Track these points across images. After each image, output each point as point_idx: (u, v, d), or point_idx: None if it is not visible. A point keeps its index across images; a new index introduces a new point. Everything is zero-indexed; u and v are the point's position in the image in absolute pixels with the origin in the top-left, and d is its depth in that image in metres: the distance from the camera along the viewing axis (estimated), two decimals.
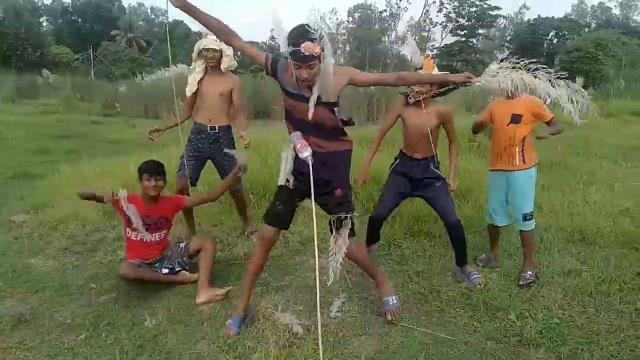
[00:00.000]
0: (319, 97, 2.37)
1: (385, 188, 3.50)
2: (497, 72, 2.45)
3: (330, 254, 2.60)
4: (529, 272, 3.26)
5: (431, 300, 3.09)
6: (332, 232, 2.65)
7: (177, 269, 3.32)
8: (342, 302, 2.91)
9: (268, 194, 4.81)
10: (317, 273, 2.36)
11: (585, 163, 6.88)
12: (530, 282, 3.20)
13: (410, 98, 3.25)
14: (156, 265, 3.29)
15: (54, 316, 2.87)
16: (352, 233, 2.64)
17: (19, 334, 2.66)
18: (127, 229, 3.24)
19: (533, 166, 3.30)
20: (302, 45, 2.19)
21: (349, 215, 2.62)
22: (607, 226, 4.14)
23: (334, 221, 2.63)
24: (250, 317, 2.78)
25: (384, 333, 2.69)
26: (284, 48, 2.29)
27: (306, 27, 2.22)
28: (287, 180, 2.61)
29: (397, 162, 3.49)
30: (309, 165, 2.42)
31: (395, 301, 2.84)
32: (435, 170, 3.34)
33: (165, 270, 3.29)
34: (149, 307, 2.97)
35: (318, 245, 2.43)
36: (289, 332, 2.61)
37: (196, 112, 3.91)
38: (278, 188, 2.69)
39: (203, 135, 3.82)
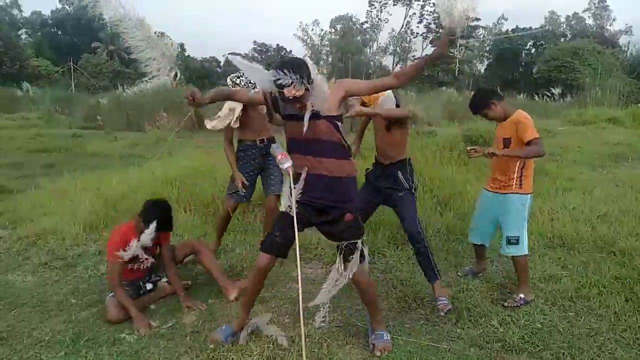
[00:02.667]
0: (319, 113, 2.34)
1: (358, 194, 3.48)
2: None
3: (333, 280, 2.51)
4: (521, 296, 3.09)
5: (415, 308, 3.10)
6: (340, 258, 2.53)
7: (156, 279, 3.29)
8: (327, 312, 2.89)
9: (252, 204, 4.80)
10: (300, 284, 2.36)
11: (564, 170, 7.00)
12: (516, 307, 3.04)
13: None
14: (144, 279, 3.25)
15: (32, 333, 2.80)
16: (362, 259, 2.53)
17: None
18: (129, 265, 3.06)
19: (528, 194, 3.15)
20: (285, 90, 2.20)
21: (360, 240, 2.53)
22: (586, 231, 4.22)
23: (342, 249, 2.52)
24: (243, 337, 2.68)
25: (369, 343, 2.69)
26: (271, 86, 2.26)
27: (283, 74, 2.17)
28: (289, 207, 2.48)
29: (370, 168, 3.46)
30: (315, 194, 2.44)
31: (388, 337, 2.69)
32: (401, 179, 3.23)
33: (149, 286, 3.24)
34: (131, 322, 2.92)
35: (301, 255, 2.42)
36: (274, 344, 2.59)
37: (241, 132, 3.83)
38: (279, 214, 2.60)
39: (254, 150, 3.80)
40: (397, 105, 3.26)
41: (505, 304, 3.07)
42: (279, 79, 2.17)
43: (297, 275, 2.40)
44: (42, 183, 6.28)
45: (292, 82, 2.17)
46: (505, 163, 3.12)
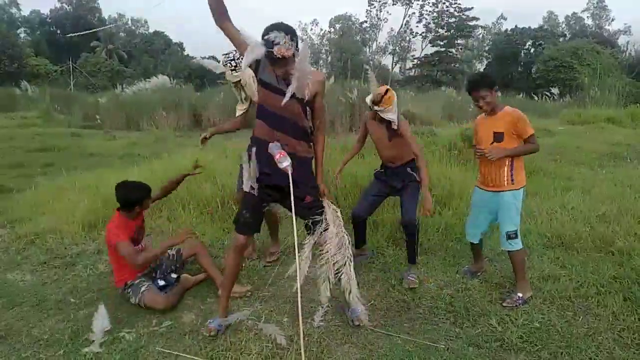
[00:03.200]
0: (293, 94, 2.42)
1: (365, 190, 3.72)
2: None
3: (323, 262, 2.57)
4: (519, 295, 3.09)
5: (414, 307, 3.11)
6: (310, 234, 2.63)
7: (173, 277, 3.35)
8: (326, 311, 2.91)
9: None
10: (298, 283, 2.36)
11: (563, 169, 7.01)
12: (515, 306, 3.04)
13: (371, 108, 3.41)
14: (152, 275, 3.29)
15: (31, 332, 2.80)
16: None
17: None
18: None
19: (520, 188, 3.15)
20: (275, 49, 2.32)
21: (322, 218, 2.63)
22: (585, 231, 4.22)
23: (308, 225, 2.66)
24: (234, 316, 2.78)
25: (368, 341, 2.70)
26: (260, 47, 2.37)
27: (275, 32, 2.32)
28: (252, 187, 2.61)
29: (379, 169, 3.69)
30: (282, 174, 2.46)
31: (361, 309, 2.81)
32: (412, 172, 3.48)
33: (161, 282, 3.28)
34: (129, 321, 2.93)
35: (300, 254, 2.42)
36: (272, 342, 2.59)
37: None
38: (244, 194, 2.70)
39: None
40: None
41: (504, 304, 3.07)
42: (271, 35, 2.31)
43: (296, 274, 2.41)
44: (41, 182, 6.28)
45: (283, 41, 2.30)
46: (496, 161, 3.07)
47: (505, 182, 3.11)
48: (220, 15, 2.50)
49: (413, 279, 3.40)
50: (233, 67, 3.47)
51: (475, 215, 3.40)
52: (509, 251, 3.19)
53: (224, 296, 2.83)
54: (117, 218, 3.23)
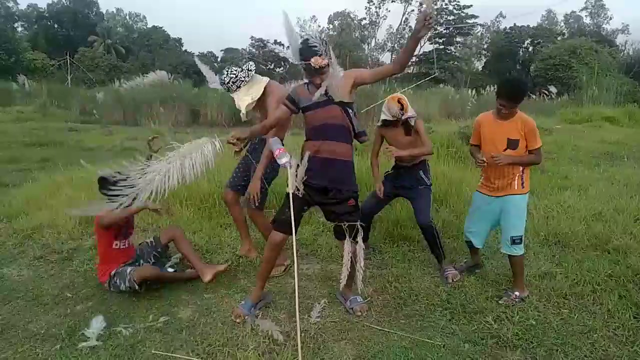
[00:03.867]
0: (332, 98, 2.60)
1: (374, 190, 3.79)
2: None
3: (355, 262, 2.75)
4: (516, 293, 3.11)
5: (410, 304, 3.12)
6: (344, 238, 2.76)
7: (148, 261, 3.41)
8: (322, 308, 2.91)
9: None
10: (296, 279, 2.37)
11: (560, 168, 7.03)
12: (512, 305, 3.04)
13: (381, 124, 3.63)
14: (137, 265, 3.31)
15: (27, 327, 2.80)
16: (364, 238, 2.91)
17: None
18: (115, 241, 3.24)
19: (527, 193, 3.15)
20: (312, 60, 2.51)
21: (358, 222, 2.77)
22: (581, 229, 4.24)
23: (345, 229, 2.75)
24: (263, 302, 3.01)
25: (364, 337, 2.70)
26: (295, 57, 2.61)
27: (310, 42, 2.51)
28: (297, 189, 2.65)
29: (390, 171, 3.80)
30: (319, 175, 2.64)
31: (361, 299, 3.04)
32: (422, 177, 3.62)
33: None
34: (126, 316, 2.93)
35: (297, 251, 2.43)
36: (269, 338, 2.60)
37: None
38: (287, 195, 2.71)
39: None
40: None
41: (501, 301, 3.08)
42: (313, 45, 2.49)
43: (294, 270, 2.41)
44: (37, 177, 6.26)
45: (322, 51, 2.49)
46: (507, 166, 3.05)
47: (516, 186, 3.09)
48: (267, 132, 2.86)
49: (450, 272, 3.46)
50: (226, 89, 3.37)
51: (478, 221, 3.36)
52: (510, 255, 3.17)
53: (260, 285, 2.97)
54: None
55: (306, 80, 2.77)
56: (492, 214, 3.25)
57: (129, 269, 3.15)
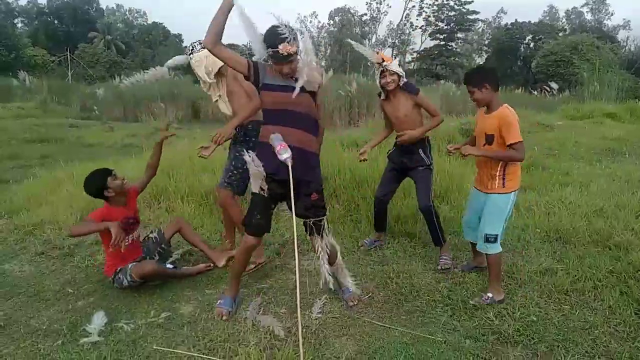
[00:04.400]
0: (302, 87, 2.49)
1: (384, 173, 3.86)
2: None
3: (320, 260, 2.72)
4: (489, 295, 3.01)
5: (411, 300, 3.12)
6: (311, 234, 2.73)
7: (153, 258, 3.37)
8: (323, 303, 2.91)
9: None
10: (297, 275, 2.37)
11: (561, 164, 7.01)
12: (482, 304, 2.96)
13: (380, 95, 3.66)
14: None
15: (29, 322, 2.81)
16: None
17: None
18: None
19: (512, 192, 2.98)
20: (280, 47, 2.35)
21: (324, 217, 2.73)
22: (582, 225, 4.23)
23: (309, 225, 2.70)
24: (239, 298, 2.99)
25: (365, 333, 2.71)
26: (260, 50, 2.44)
27: (278, 28, 2.37)
28: (261, 189, 2.61)
29: (392, 149, 3.80)
30: (287, 168, 2.44)
31: (353, 289, 3.03)
32: (422, 156, 3.57)
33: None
34: (128, 312, 2.93)
35: (299, 247, 2.43)
36: (270, 334, 2.60)
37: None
38: (253, 196, 2.70)
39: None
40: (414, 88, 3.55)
41: (472, 302, 3.00)
42: (279, 31, 2.35)
43: (295, 266, 2.41)
44: (38, 173, 6.26)
45: (291, 38, 2.35)
46: (488, 162, 2.97)
47: (496, 185, 2.97)
48: (217, 37, 2.45)
49: (444, 260, 3.53)
50: (190, 52, 3.39)
51: (469, 215, 3.32)
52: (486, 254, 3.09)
53: (235, 282, 2.93)
54: (103, 208, 3.22)
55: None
56: (479, 209, 3.14)
57: (130, 265, 3.14)
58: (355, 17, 53.52)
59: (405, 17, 52.63)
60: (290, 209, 2.61)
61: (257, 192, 2.63)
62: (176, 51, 44.63)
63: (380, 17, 54.28)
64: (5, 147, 8.93)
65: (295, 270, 2.61)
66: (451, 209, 4.70)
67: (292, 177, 2.44)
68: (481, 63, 49.10)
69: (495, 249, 3.03)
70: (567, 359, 2.47)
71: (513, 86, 24.54)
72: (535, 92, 21.50)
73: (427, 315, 2.92)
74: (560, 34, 44.52)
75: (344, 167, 5.15)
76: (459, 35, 49.07)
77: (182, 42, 51.89)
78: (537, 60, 35.33)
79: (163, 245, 3.46)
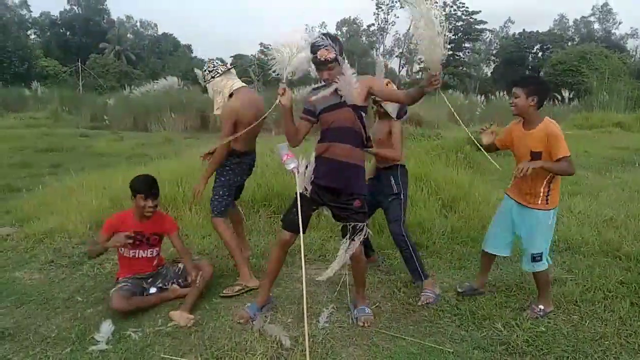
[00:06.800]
0: (344, 102, 2.66)
1: None
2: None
3: (340, 252, 2.75)
4: (541, 307, 2.98)
5: (419, 310, 3.10)
6: (345, 236, 2.78)
7: (166, 287, 3.28)
8: (331, 313, 2.92)
9: (257, 205, 4.84)
10: (304, 284, 2.37)
11: None
12: (536, 318, 2.92)
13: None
14: (148, 281, 3.24)
15: (38, 330, 2.83)
16: (366, 240, 2.95)
17: (2, 349, 2.62)
18: (121, 248, 3.14)
19: (552, 209, 2.91)
20: (318, 52, 2.59)
21: (364, 224, 2.80)
22: (592, 235, 4.20)
23: (348, 229, 2.77)
24: (267, 307, 3.02)
25: (373, 343, 2.69)
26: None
27: (320, 38, 2.62)
28: (305, 189, 2.75)
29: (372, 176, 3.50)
30: (330, 175, 2.69)
31: (369, 311, 2.97)
32: (393, 184, 3.32)
33: (153, 290, 3.21)
34: (136, 320, 2.94)
35: (305, 256, 2.44)
36: (277, 343, 2.60)
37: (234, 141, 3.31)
38: (295, 195, 2.78)
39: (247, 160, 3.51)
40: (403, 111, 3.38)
41: (525, 315, 2.95)
42: (318, 40, 2.59)
43: (301, 275, 2.42)
44: (49, 182, 6.34)
45: (327, 45, 2.57)
46: (534, 178, 2.83)
47: (540, 201, 2.88)
48: (296, 138, 2.80)
49: (427, 294, 3.19)
50: (203, 79, 3.44)
51: (499, 225, 3.15)
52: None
53: (266, 289, 3.00)
54: (121, 213, 3.28)
55: (313, 86, 2.86)
56: (514, 220, 3.04)
57: (118, 286, 3.06)
58: (362, 27, 53.85)
59: (412, 27, 52.84)
60: (333, 216, 2.84)
61: (302, 191, 2.76)
62: (186, 62, 45.14)
63: (387, 28, 54.56)
64: (17, 156, 9.05)
65: (302, 280, 2.62)
66: (459, 219, 4.68)
67: (326, 186, 2.71)
68: (489, 73, 49.09)
69: (542, 266, 2.98)
70: None
71: None
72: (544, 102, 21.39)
73: (435, 325, 2.90)
74: (569, 44, 44.44)
75: None
76: (467, 45, 49.11)
77: (192, 52, 52.45)
78: (545, 70, 35.21)
79: (180, 281, 3.30)
